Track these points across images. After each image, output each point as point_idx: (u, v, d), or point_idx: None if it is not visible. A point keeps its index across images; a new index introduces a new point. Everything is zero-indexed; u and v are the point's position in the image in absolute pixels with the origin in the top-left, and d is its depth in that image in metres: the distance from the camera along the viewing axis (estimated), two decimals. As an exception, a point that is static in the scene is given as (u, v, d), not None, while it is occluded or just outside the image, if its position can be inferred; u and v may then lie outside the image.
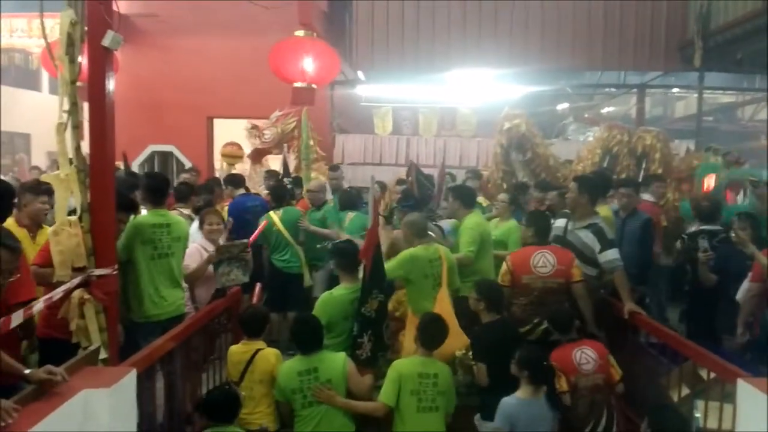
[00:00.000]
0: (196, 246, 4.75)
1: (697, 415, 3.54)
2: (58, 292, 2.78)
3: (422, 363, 3.59)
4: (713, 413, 3.38)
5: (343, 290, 4.00)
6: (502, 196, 5.72)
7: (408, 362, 3.63)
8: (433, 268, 4.25)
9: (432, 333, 3.65)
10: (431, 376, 3.54)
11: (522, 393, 3.47)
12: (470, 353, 3.81)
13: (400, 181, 7.24)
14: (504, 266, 4.34)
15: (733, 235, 4.43)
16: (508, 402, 3.47)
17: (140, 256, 4.07)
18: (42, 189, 4.05)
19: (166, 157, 10.39)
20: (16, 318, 2.43)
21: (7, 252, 2.43)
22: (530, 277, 4.19)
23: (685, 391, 3.80)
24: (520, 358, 3.49)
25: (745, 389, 2.90)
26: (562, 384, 3.70)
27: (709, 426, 3.42)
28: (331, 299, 3.97)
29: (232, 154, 9.47)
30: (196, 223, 5.26)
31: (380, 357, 3.86)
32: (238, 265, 4.44)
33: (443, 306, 4.04)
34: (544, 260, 4.21)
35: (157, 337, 3.59)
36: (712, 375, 3.52)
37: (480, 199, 6.57)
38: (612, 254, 4.39)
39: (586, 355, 3.73)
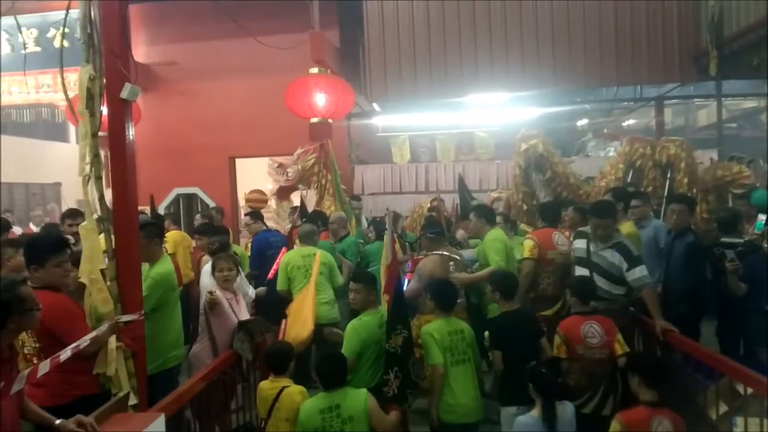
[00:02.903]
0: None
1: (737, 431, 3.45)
2: (85, 340, 2.83)
3: (448, 322, 4.02)
4: (753, 429, 3.27)
5: (369, 315, 4.04)
6: (498, 218, 5.71)
7: (435, 325, 4.00)
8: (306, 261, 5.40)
9: (447, 295, 4.13)
10: (458, 332, 4.00)
11: (536, 411, 3.48)
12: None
13: (431, 209, 7.30)
14: (531, 242, 4.99)
15: (766, 245, 4.35)
16: (522, 421, 3.51)
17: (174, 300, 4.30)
18: None
19: (190, 198, 10.61)
20: (43, 368, 2.48)
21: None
22: (554, 252, 4.93)
23: (723, 408, 3.69)
24: (532, 382, 3.51)
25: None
26: (561, 351, 3.97)
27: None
28: (362, 324, 3.99)
29: (257, 200, 9.64)
30: (207, 266, 5.34)
31: (409, 395, 3.83)
32: (251, 345, 4.31)
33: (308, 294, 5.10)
34: (562, 239, 5.04)
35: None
36: (750, 390, 3.42)
37: (523, 226, 6.62)
38: (639, 272, 4.33)
39: (594, 329, 3.96)
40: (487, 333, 4.15)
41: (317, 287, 5.33)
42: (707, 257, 5.02)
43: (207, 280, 5.11)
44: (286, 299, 5.42)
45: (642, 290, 4.35)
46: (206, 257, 5.69)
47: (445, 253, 5.07)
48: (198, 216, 8.23)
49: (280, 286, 5.54)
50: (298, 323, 5.00)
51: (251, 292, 5.39)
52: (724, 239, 5.12)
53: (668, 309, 4.52)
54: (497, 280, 4.26)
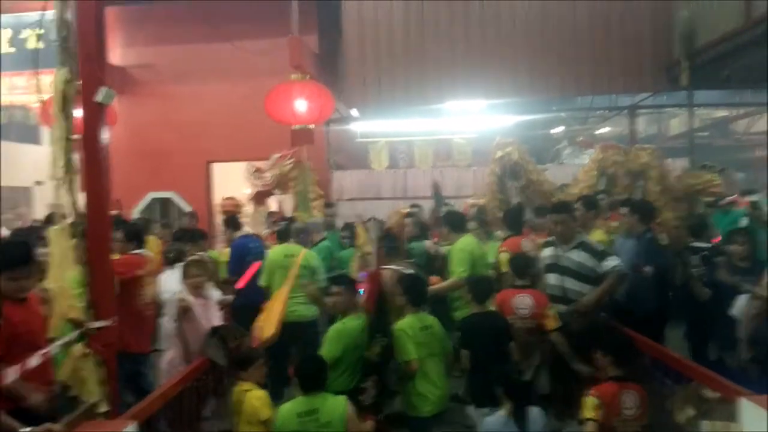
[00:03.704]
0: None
1: (704, 436, 3.52)
2: (56, 347, 2.80)
3: (419, 318, 4.09)
4: (720, 434, 3.35)
5: (353, 321, 4.04)
6: (472, 224, 5.78)
7: (408, 321, 4.05)
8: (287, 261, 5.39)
9: (419, 291, 4.23)
10: (429, 327, 4.10)
11: (505, 411, 3.62)
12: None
13: (409, 215, 7.29)
14: (506, 255, 5.10)
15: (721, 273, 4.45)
16: (490, 421, 3.64)
17: None
18: None
19: (166, 203, 10.50)
20: (12, 373, 2.44)
21: None
22: None
23: (691, 412, 3.76)
24: (502, 386, 3.66)
25: (748, 408, 2.89)
26: None
27: (717, 447, 3.38)
28: (345, 329, 3.98)
29: (231, 205, 9.56)
30: (164, 275, 5.33)
31: (385, 404, 3.85)
32: (224, 352, 4.26)
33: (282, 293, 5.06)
34: (530, 245, 5.31)
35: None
36: (717, 394, 3.49)
37: (499, 233, 6.68)
38: (612, 261, 4.47)
39: (524, 301, 4.39)
40: None
41: (295, 288, 5.32)
42: (665, 254, 5.21)
43: (168, 286, 5.08)
44: (266, 295, 5.44)
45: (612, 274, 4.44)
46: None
47: (398, 268, 4.99)
48: (157, 225, 8.06)
49: (262, 281, 5.59)
50: (265, 322, 5.00)
51: (215, 294, 5.34)
52: (694, 244, 5.28)
53: (635, 309, 4.71)
54: (472, 282, 4.50)
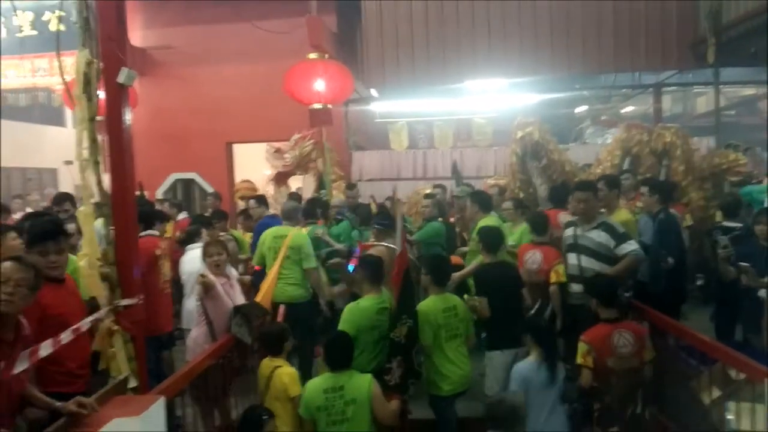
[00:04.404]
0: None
1: (730, 417, 3.50)
2: (86, 323, 2.86)
3: (442, 299, 4.12)
4: (745, 414, 3.32)
5: (370, 301, 4.04)
6: (507, 204, 5.75)
7: (430, 302, 4.10)
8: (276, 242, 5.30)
9: (443, 271, 4.26)
10: (452, 309, 4.11)
11: (533, 357, 3.77)
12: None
13: (428, 195, 7.28)
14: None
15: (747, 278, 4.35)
16: (521, 366, 3.79)
17: None
18: None
19: (188, 184, 10.60)
20: (45, 348, 2.50)
21: (16, 265, 2.42)
22: (558, 231, 5.06)
23: (717, 393, 3.74)
24: (530, 332, 3.85)
25: (775, 388, 2.86)
26: None
27: (742, 428, 3.36)
28: (359, 309, 4.00)
29: (247, 189, 9.63)
30: (184, 256, 5.37)
31: (411, 385, 3.87)
32: (249, 329, 4.29)
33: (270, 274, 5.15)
34: (564, 218, 5.18)
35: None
36: (742, 375, 3.46)
37: None
38: (629, 246, 4.39)
39: (534, 257, 4.68)
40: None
41: (283, 269, 5.28)
42: (682, 232, 5.16)
43: (188, 267, 5.18)
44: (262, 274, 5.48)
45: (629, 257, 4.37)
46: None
47: (392, 245, 4.93)
48: (166, 202, 8.09)
49: (255, 261, 5.61)
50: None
51: (234, 271, 5.38)
52: (725, 224, 5.20)
53: (650, 286, 4.75)
54: (483, 234, 4.60)
